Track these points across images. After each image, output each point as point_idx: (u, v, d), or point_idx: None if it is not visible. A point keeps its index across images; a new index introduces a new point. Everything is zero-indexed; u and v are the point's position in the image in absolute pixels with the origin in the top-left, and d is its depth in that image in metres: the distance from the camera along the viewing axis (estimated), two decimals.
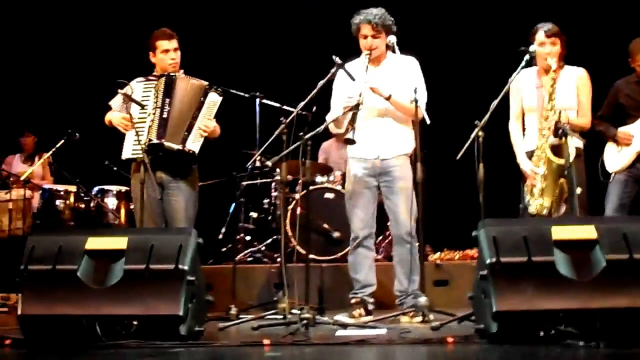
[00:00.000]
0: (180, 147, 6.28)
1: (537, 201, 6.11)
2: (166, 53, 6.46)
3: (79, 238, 4.95)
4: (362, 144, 6.25)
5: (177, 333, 4.74)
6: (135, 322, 4.82)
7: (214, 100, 6.45)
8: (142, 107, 6.30)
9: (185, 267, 4.76)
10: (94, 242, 4.92)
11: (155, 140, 6.25)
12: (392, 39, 6.28)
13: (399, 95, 6.21)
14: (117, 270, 4.82)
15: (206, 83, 6.47)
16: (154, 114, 6.31)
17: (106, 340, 4.78)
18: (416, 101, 5.95)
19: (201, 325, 5.01)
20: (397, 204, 6.32)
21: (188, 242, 4.87)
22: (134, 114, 6.27)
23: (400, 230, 6.30)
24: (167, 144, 6.26)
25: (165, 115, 6.32)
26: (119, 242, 4.89)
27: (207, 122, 6.37)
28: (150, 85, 6.41)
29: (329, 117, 6.34)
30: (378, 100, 6.27)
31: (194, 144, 6.33)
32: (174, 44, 6.49)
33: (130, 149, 6.26)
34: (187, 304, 4.75)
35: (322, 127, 6.08)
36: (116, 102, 6.46)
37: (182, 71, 6.56)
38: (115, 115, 6.37)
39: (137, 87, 6.42)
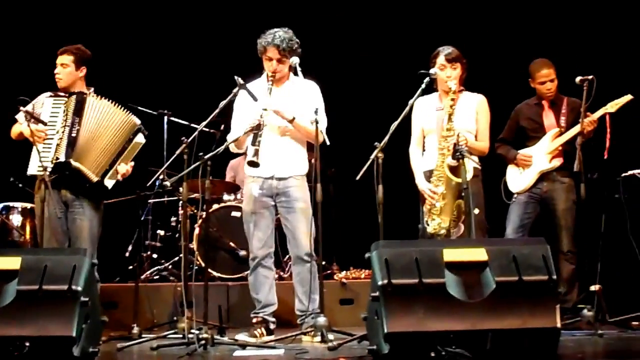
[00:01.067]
0: (98, 179, 6.27)
1: (435, 221, 6.18)
2: (56, 67, 6.48)
3: None
4: (262, 165, 6.29)
5: (70, 354, 4.66)
6: (27, 344, 4.74)
7: (139, 141, 6.45)
8: (44, 124, 6.25)
9: (79, 288, 4.68)
10: None
11: (62, 159, 6.20)
12: (295, 60, 6.32)
13: (301, 117, 6.26)
14: (10, 290, 4.72)
15: (138, 122, 6.45)
16: (62, 132, 6.27)
17: None
18: (317, 122, 6.00)
19: (96, 345, 4.93)
20: (295, 224, 6.37)
21: (82, 263, 4.80)
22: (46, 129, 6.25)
23: (299, 250, 6.35)
24: (74, 164, 6.22)
25: (74, 134, 6.28)
26: (12, 263, 4.78)
27: (127, 170, 6.43)
28: (59, 102, 6.37)
29: (230, 137, 6.36)
30: (278, 122, 6.32)
31: (109, 181, 6.34)
32: (61, 59, 6.48)
33: (35, 166, 6.20)
34: (80, 324, 4.67)
35: (223, 147, 6.11)
36: (22, 116, 6.40)
37: (92, 90, 6.53)
38: (26, 128, 6.24)
39: (46, 102, 6.37)
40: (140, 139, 6.46)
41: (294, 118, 6.27)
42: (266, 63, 6.41)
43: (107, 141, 6.33)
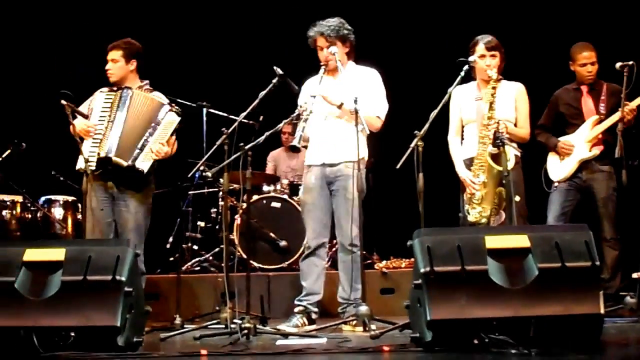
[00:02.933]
0: (129, 164, 6.31)
1: (476, 209, 6.18)
2: (107, 63, 6.54)
3: (17, 250, 4.91)
4: (312, 152, 6.41)
5: (115, 344, 4.71)
6: (72, 334, 4.79)
7: (170, 120, 6.48)
8: (86, 117, 6.33)
9: (123, 278, 4.73)
10: (32, 254, 4.88)
11: (103, 155, 6.27)
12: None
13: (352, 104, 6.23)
14: (55, 281, 4.78)
15: (165, 101, 6.50)
16: (107, 127, 6.34)
17: (43, 351, 4.73)
18: (356, 111, 5.99)
19: (140, 335, 4.98)
20: (340, 211, 6.36)
21: (126, 254, 4.85)
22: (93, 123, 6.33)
23: (344, 239, 6.33)
24: (115, 159, 6.30)
25: (118, 131, 6.36)
26: (57, 254, 4.85)
27: (160, 147, 6.40)
28: (110, 96, 6.46)
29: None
30: (330, 109, 6.33)
31: (143, 162, 6.36)
32: (111, 55, 6.55)
33: (82, 161, 6.28)
34: (124, 315, 4.72)
35: (262, 138, 6.10)
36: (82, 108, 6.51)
37: (146, 83, 6.59)
38: (77, 122, 6.39)
39: (99, 97, 6.49)
40: (170, 117, 6.49)
41: (342, 104, 6.25)
42: (319, 53, 6.44)
43: (138, 128, 6.40)
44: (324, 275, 6.52)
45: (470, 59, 6.22)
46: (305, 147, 6.40)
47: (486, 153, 6.08)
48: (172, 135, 6.52)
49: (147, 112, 6.45)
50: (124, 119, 6.38)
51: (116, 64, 6.53)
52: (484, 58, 6.31)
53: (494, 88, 6.15)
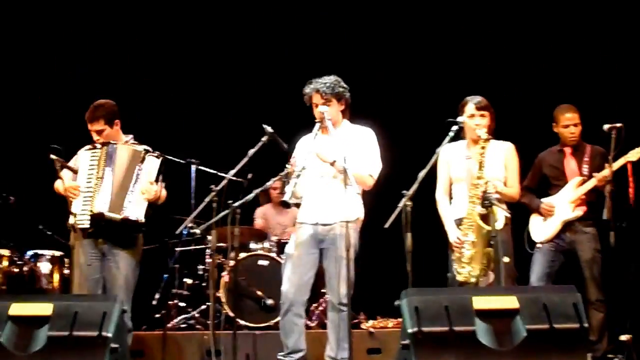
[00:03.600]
0: (122, 216, 6.31)
1: (465, 269, 6.17)
2: (92, 134, 6.56)
3: (3, 304, 4.89)
4: (306, 210, 6.39)
5: None
6: None
7: (152, 164, 6.48)
8: (75, 172, 6.35)
9: (109, 334, 4.70)
10: (18, 308, 4.86)
11: (96, 211, 6.27)
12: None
13: (345, 162, 6.26)
14: (41, 336, 4.74)
15: (142, 149, 6.51)
16: (96, 184, 6.35)
17: None
18: (345, 170, 6.00)
19: None
20: (332, 270, 6.33)
21: (113, 309, 4.83)
22: (81, 182, 6.35)
23: (335, 298, 6.30)
24: (107, 214, 6.29)
25: (108, 187, 6.38)
26: (44, 309, 4.82)
27: (148, 187, 6.41)
28: (96, 154, 6.47)
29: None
30: (323, 166, 6.33)
31: (136, 211, 6.35)
32: (95, 127, 6.55)
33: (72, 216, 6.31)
34: None
35: (251, 195, 6.12)
36: (66, 173, 6.51)
37: (131, 136, 6.62)
38: (61, 184, 6.44)
39: (84, 156, 6.50)
40: (150, 160, 6.52)
41: (334, 161, 6.27)
42: (315, 111, 6.46)
43: (125, 180, 6.42)
44: (304, 332, 6.48)
45: (460, 119, 6.26)
46: (297, 204, 6.40)
47: (475, 213, 6.09)
48: (157, 179, 6.51)
49: (130, 163, 6.47)
50: (112, 175, 6.40)
51: (103, 132, 6.54)
52: (474, 118, 6.35)
53: (483, 148, 6.17)
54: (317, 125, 6.37)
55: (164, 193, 6.59)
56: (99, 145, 6.53)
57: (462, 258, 6.21)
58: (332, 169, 6.32)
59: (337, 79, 6.47)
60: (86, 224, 6.28)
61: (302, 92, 6.50)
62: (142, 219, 6.39)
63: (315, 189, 6.41)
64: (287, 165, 6.25)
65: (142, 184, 6.42)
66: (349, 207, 6.20)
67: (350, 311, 6.13)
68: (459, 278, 6.20)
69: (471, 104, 6.40)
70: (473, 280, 6.15)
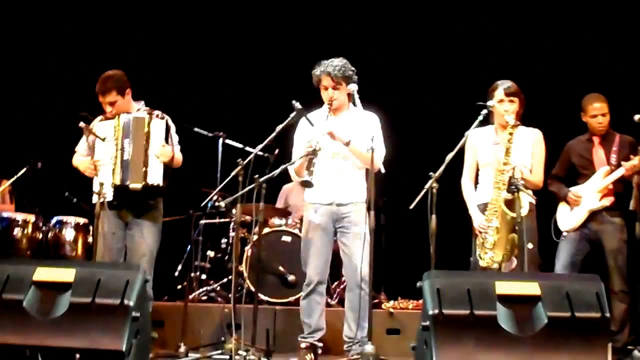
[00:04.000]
0: (142, 184, 6.33)
1: (488, 255, 6.16)
2: (104, 105, 6.57)
3: (28, 268, 4.91)
4: (319, 190, 6.34)
5: None
6: (77, 355, 4.78)
7: (158, 126, 6.49)
8: (103, 140, 6.36)
9: (131, 303, 4.72)
10: (42, 273, 4.89)
11: (119, 183, 6.30)
12: (353, 87, 6.34)
13: (358, 143, 6.28)
14: (63, 302, 4.76)
15: (146, 115, 6.51)
16: (116, 157, 6.39)
17: None
18: (372, 150, 6.00)
19: None
20: (353, 250, 6.35)
21: (135, 278, 4.84)
22: (100, 156, 6.40)
23: (355, 277, 6.31)
24: (131, 185, 6.34)
25: (126, 157, 6.41)
26: (67, 275, 4.84)
27: (161, 150, 6.43)
28: (111, 125, 6.48)
29: (290, 165, 6.37)
30: (337, 147, 6.33)
31: (155, 176, 6.39)
32: (107, 98, 6.55)
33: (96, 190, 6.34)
34: (130, 339, 4.70)
35: (277, 171, 6.12)
36: (81, 144, 6.60)
37: (142, 103, 6.64)
38: (81, 161, 6.56)
39: (101, 127, 6.50)
40: (155, 124, 6.50)
41: (349, 141, 6.27)
42: (323, 93, 6.45)
43: (140, 149, 6.43)
44: (324, 311, 6.54)
45: (489, 103, 6.24)
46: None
47: (500, 198, 6.07)
48: (167, 139, 6.54)
49: (139, 131, 6.46)
50: (130, 146, 6.41)
51: (116, 104, 6.54)
52: (503, 103, 6.31)
53: (510, 134, 6.15)
54: (328, 109, 6.36)
55: (179, 155, 6.63)
56: (110, 116, 6.55)
57: (485, 243, 6.20)
58: (344, 149, 6.33)
59: (346, 61, 6.46)
60: (110, 197, 6.30)
61: (312, 72, 6.48)
62: (161, 182, 6.42)
63: (327, 170, 6.40)
64: (307, 144, 6.21)
65: (154, 148, 6.42)
66: (362, 187, 6.36)
67: (371, 290, 6.12)
68: (482, 263, 6.20)
69: (501, 89, 6.36)
70: (495, 266, 6.14)
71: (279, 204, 9.12)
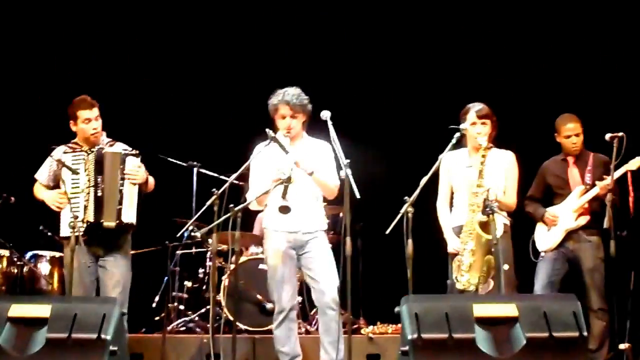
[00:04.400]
0: (116, 222, 6.29)
1: (464, 277, 6.18)
2: (88, 122, 6.48)
3: (3, 304, 4.90)
4: (284, 218, 6.30)
5: None
6: None
7: (133, 164, 6.44)
8: (76, 173, 6.31)
9: (108, 337, 4.71)
10: (17, 310, 4.87)
11: (92, 220, 6.25)
12: (326, 114, 6.33)
13: (321, 172, 6.33)
14: (40, 338, 4.75)
15: (121, 150, 6.47)
16: (87, 193, 6.32)
17: None
18: (347, 175, 5.99)
19: None
20: (320, 273, 6.37)
21: (112, 312, 4.84)
22: (67, 189, 6.31)
23: (326, 299, 6.32)
24: (105, 223, 6.29)
25: (100, 194, 6.34)
26: (43, 310, 4.83)
27: (135, 170, 6.39)
28: (79, 158, 6.41)
29: (250, 196, 6.36)
30: (301, 176, 6.35)
31: (129, 215, 6.34)
32: (95, 112, 6.50)
33: (66, 227, 6.27)
34: None
35: (253, 198, 6.11)
36: (42, 173, 6.53)
37: (104, 134, 6.57)
38: (47, 195, 6.43)
39: (65, 159, 6.42)
40: (131, 162, 6.43)
41: (312, 172, 6.31)
42: (279, 122, 6.46)
43: (114, 186, 6.37)
44: (297, 337, 6.54)
45: (462, 126, 6.27)
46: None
47: (475, 221, 6.10)
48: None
49: (114, 167, 6.40)
50: (103, 182, 6.36)
51: (98, 121, 6.51)
52: (475, 125, 6.36)
53: (483, 156, 6.19)
54: (287, 138, 6.37)
55: (151, 180, 6.58)
56: (78, 148, 6.48)
57: (461, 266, 6.22)
58: (306, 178, 6.36)
59: (300, 90, 6.50)
60: (81, 232, 6.23)
61: (268, 102, 6.52)
62: (134, 221, 6.38)
63: (293, 198, 6.36)
64: (277, 171, 6.22)
65: (128, 186, 6.38)
66: (322, 216, 6.55)
67: (343, 315, 6.11)
68: (458, 286, 6.22)
69: (472, 111, 6.40)
70: (472, 288, 6.16)
71: (256, 231, 9.09)
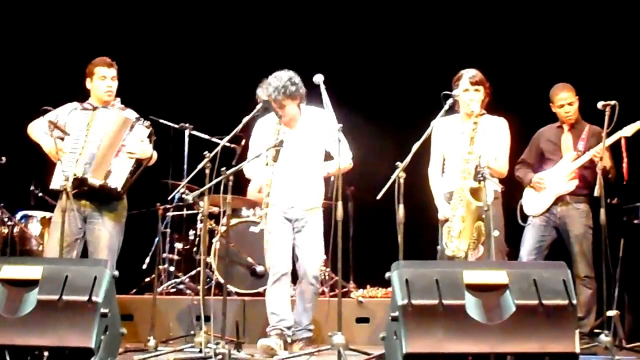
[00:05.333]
0: (101, 182, 6.26)
1: (454, 243, 6.20)
2: (103, 80, 6.49)
3: None
4: (280, 192, 6.48)
5: None
6: (46, 353, 4.75)
7: (140, 133, 6.42)
8: (67, 134, 6.28)
9: (99, 300, 4.71)
10: (8, 271, 4.87)
11: (79, 175, 6.22)
12: (319, 78, 6.32)
13: (328, 167, 6.47)
14: (31, 300, 4.75)
15: (133, 117, 6.45)
16: (83, 147, 6.28)
17: None
18: (339, 140, 6.00)
19: (114, 357, 4.97)
20: (306, 250, 6.51)
21: (103, 274, 4.83)
22: (68, 142, 6.28)
23: (307, 272, 6.50)
24: (90, 179, 6.23)
25: (94, 150, 6.29)
26: (34, 272, 4.82)
27: (140, 146, 6.37)
28: (86, 115, 6.39)
29: (248, 164, 6.40)
30: (298, 153, 6.45)
31: (116, 180, 6.30)
32: (112, 72, 6.52)
33: (57, 180, 6.24)
34: (99, 336, 4.70)
35: (245, 162, 6.10)
36: (41, 123, 6.44)
37: (118, 100, 6.57)
38: (46, 142, 6.32)
39: (74, 115, 6.42)
40: (138, 130, 6.43)
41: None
42: (275, 108, 6.52)
43: (112, 147, 6.35)
44: (290, 301, 6.59)
45: (454, 92, 6.26)
46: None
47: (466, 187, 6.11)
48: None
49: (119, 130, 6.38)
50: (99, 140, 6.30)
51: (114, 82, 6.53)
52: (468, 92, 6.35)
53: (475, 123, 6.20)
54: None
55: (155, 155, 6.55)
56: (89, 107, 6.47)
57: (451, 232, 6.23)
58: (303, 155, 6.49)
59: (290, 77, 6.46)
60: (69, 187, 6.19)
61: (256, 93, 6.50)
62: (119, 187, 6.34)
63: (290, 175, 6.52)
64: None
65: (124, 154, 6.35)
66: (320, 192, 6.62)
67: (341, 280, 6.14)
68: (448, 252, 6.24)
69: (465, 77, 6.40)
70: (461, 254, 6.18)
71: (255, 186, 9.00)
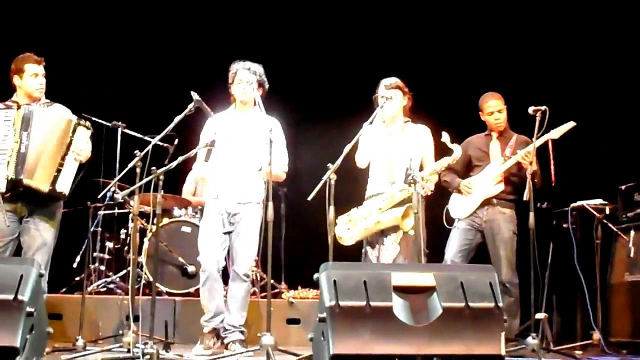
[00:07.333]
0: (50, 188, 6.18)
1: (350, 231, 6.47)
2: (35, 77, 6.40)
3: None
4: (219, 186, 6.55)
5: None
6: None
7: (83, 136, 6.36)
8: None
9: (25, 298, 4.66)
10: None
11: (13, 177, 6.12)
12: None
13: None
14: None
15: (74, 119, 6.37)
16: (12, 148, 6.17)
17: None
18: (271, 141, 6.03)
19: (40, 356, 4.92)
20: (240, 245, 6.57)
21: (30, 273, 4.79)
22: None
23: (240, 269, 6.55)
24: (26, 181, 6.13)
25: (23, 150, 6.15)
26: None
27: (83, 147, 6.32)
28: (10, 114, 6.25)
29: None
30: (238, 148, 6.52)
31: (64, 185, 6.24)
32: (42, 69, 6.43)
33: None
34: (25, 335, 4.65)
35: (177, 162, 6.06)
36: None
37: (43, 95, 6.47)
38: None
39: None
40: (81, 133, 6.36)
41: (261, 168, 6.49)
42: (236, 86, 6.65)
43: (53, 149, 6.24)
44: (223, 297, 6.62)
45: (378, 97, 6.42)
46: None
47: (396, 191, 6.22)
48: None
49: (58, 132, 6.26)
50: (38, 142, 6.19)
51: (44, 78, 6.45)
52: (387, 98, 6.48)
53: (397, 127, 6.35)
54: (232, 109, 6.72)
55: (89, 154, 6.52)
56: (12, 105, 6.30)
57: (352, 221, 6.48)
58: (246, 150, 6.56)
59: (262, 69, 6.69)
60: (2, 188, 6.12)
61: (231, 68, 6.65)
62: (67, 192, 6.28)
63: (228, 168, 6.60)
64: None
65: (71, 157, 6.28)
66: (260, 188, 6.60)
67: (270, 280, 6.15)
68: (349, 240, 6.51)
69: (382, 85, 6.60)
70: (353, 241, 6.47)
71: (187, 187, 8.95)
